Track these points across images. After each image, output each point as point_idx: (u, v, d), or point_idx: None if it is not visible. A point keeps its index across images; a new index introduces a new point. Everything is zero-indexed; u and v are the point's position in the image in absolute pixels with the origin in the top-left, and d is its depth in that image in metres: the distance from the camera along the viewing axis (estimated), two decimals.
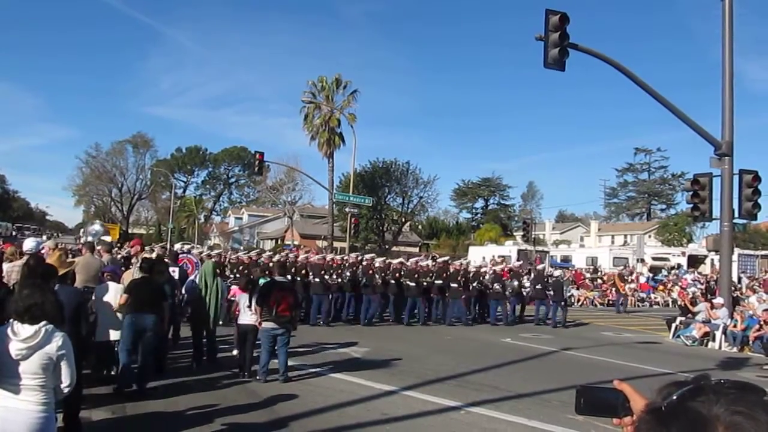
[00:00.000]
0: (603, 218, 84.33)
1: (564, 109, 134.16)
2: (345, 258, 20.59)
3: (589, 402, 1.45)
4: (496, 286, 20.52)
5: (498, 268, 22.07)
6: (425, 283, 19.68)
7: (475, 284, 20.45)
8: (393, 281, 19.43)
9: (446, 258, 22.83)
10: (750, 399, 1.06)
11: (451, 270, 20.24)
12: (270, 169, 56.52)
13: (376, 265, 19.61)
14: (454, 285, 19.75)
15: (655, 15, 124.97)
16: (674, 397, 1.11)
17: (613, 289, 29.38)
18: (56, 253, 8.55)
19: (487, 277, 21.02)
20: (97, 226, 19.39)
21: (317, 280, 18.18)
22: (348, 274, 18.99)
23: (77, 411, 6.67)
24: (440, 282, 19.85)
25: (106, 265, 10.87)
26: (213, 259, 13.66)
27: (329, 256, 20.75)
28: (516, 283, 21.35)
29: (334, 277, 18.81)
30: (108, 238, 20.66)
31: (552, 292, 20.77)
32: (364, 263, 19.56)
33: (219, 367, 10.72)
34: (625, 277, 30.03)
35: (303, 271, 18.45)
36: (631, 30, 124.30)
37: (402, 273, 19.75)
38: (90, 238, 17.06)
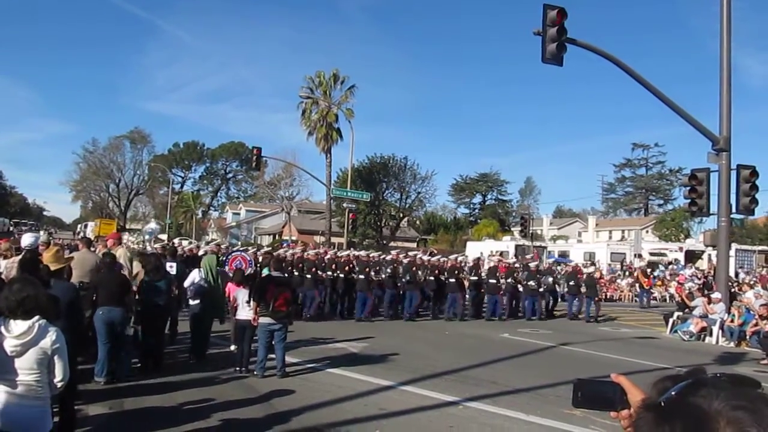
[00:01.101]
0: (600, 214, 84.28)
1: (562, 105, 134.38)
2: (382, 255, 21.40)
3: (587, 395, 1.44)
4: (531, 282, 20.91)
5: (532, 264, 22.62)
6: (464, 280, 20.41)
7: (509, 280, 20.95)
8: (432, 278, 19.96)
9: (479, 256, 23.54)
10: (750, 393, 1.05)
11: (487, 266, 21.01)
12: (268, 165, 56.37)
13: (419, 262, 20.28)
14: (493, 281, 20.50)
15: (652, 10, 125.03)
16: (673, 393, 1.10)
17: (637, 284, 29.59)
18: (52, 248, 8.52)
19: (521, 273, 21.58)
20: (153, 225, 19.56)
21: (362, 276, 18.71)
22: (389, 270, 19.45)
23: (72, 405, 6.65)
24: (475, 278, 20.63)
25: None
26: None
27: (374, 254, 21.58)
28: (551, 279, 22.11)
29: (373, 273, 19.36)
30: (164, 236, 20.75)
31: (585, 288, 21.56)
32: (407, 260, 20.13)
33: (217, 363, 10.72)
34: (648, 273, 30.06)
35: (347, 268, 19.04)
36: (629, 25, 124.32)
37: (440, 270, 20.36)
38: (147, 237, 17.34)
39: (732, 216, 19.07)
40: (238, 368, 10.06)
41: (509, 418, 8.02)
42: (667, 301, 29.76)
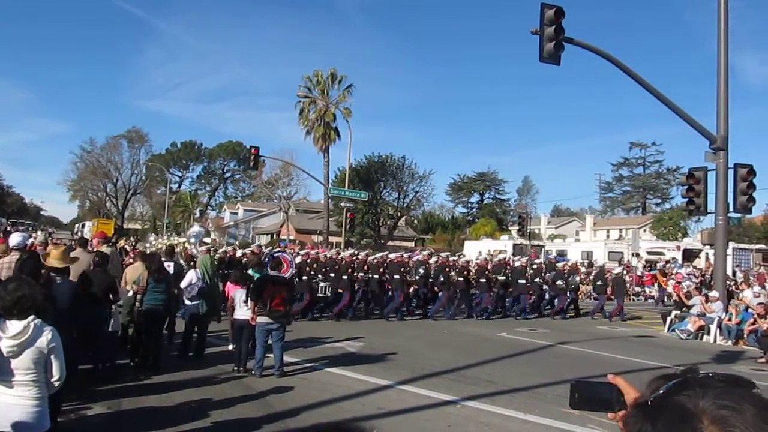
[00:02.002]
0: (598, 212, 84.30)
1: (559, 104, 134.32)
2: (411, 255, 21.70)
3: (584, 397, 1.44)
4: (560, 282, 21.48)
5: (560, 264, 23.35)
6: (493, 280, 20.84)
7: (536, 280, 21.42)
8: (461, 278, 20.27)
9: (504, 255, 23.99)
10: (737, 392, 1.05)
11: (517, 266, 21.47)
12: (265, 164, 56.41)
13: (451, 263, 20.68)
14: (522, 281, 20.93)
15: (650, 9, 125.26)
16: (661, 391, 1.11)
17: (655, 284, 29.75)
18: (60, 247, 8.54)
19: (549, 273, 22.15)
20: (197, 228, 19.63)
21: (397, 277, 19.08)
22: (421, 271, 19.74)
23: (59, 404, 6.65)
24: (503, 278, 21.05)
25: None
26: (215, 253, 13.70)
27: (405, 254, 21.88)
28: (578, 278, 22.87)
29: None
30: (209, 239, 20.81)
31: (613, 288, 22.15)
32: (439, 261, 20.47)
33: (215, 362, 10.72)
34: (667, 272, 30.15)
35: (381, 269, 19.36)
36: (627, 24, 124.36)
37: (470, 270, 20.85)
38: (192, 240, 17.61)
39: (729, 215, 19.11)
40: (236, 368, 10.05)
41: (507, 417, 8.02)
42: (665, 300, 29.78)
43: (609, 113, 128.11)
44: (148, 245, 24.79)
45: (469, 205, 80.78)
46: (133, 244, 36.65)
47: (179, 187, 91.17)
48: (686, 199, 18.39)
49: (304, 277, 17.88)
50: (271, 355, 9.90)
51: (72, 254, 10.05)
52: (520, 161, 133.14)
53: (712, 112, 18.44)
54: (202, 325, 11.32)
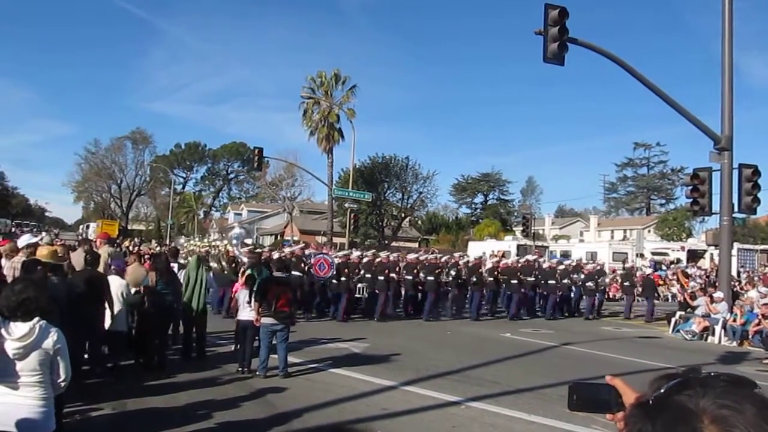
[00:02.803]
0: (602, 213, 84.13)
1: (563, 104, 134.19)
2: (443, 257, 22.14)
3: (582, 398, 1.45)
4: (589, 283, 22.02)
5: (590, 266, 23.80)
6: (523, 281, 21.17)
7: (565, 281, 21.86)
8: (492, 278, 20.88)
9: (534, 256, 24.29)
10: (738, 392, 1.06)
11: (547, 267, 22.10)
12: (269, 165, 56.39)
13: (488, 264, 21.38)
14: (552, 282, 21.42)
15: (654, 9, 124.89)
16: (662, 391, 1.11)
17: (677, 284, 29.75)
18: (50, 247, 8.56)
19: (576, 274, 22.53)
20: (238, 229, 19.79)
21: (431, 278, 19.39)
22: (453, 272, 20.07)
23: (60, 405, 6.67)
24: (532, 279, 21.43)
25: (109, 260, 10.89)
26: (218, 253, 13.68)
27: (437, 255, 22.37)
28: (607, 279, 23.56)
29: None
30: (249, 240, 21.00)
31: (641, 288, 22.65)
32: (474, 261, 21.08)
33: (219, 363, 10.74)
34: (689, 273, 30.08)
35: (414, 270, 19.78)
36: (631, 24, 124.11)
37: (499, 271, 21.29)
38: (234, 242, 17.86)
39: (734, 215, 19.06)
40: (240, 369, 10.06)
41: (511, 417, 8.02)
42: (670, 300, 29.72)
43: (613, 113, 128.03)
44: (180, 248, 24.92)
45: (473, 205, 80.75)
46: (138, 245, 36.74)
47: (183, 188, 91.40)
48: (691, 200, 18.35)
49: (343, 278, 18.28)
50: (276, 356, 9.90)
51: (74, 255, 10.12)
52: (524, 162, 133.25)
53: (717, 113, 18.42)
54: (200, 325, 11.31)
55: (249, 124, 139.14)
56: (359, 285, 18.79)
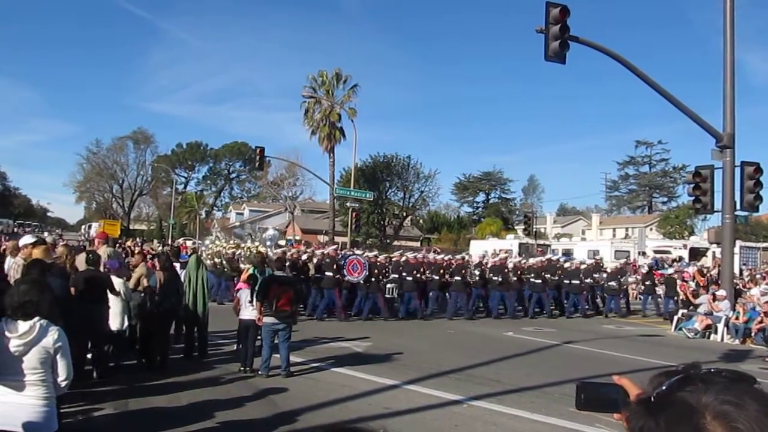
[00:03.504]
0: (604, 211, 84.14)
1: (565, 102, 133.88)
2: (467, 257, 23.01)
3: (589, 398, 1.44)
4: (612, 283, 22.25)
5: (612, 266, 24.37)
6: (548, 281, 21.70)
7: (588, 280, 22.23)
8: (515, 278, 21.05)
9: (558, 257, 24.79)
10: (739, 388, 1.06)
11: (573, 268, 22.40)
12: (271, 165, 56.50)
13: (510, 265, 21.52)
14: (576, 282, 21.77)
15: (656, 6, 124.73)
16: (663, 387, 1.12)
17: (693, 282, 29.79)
18: (43, 246, 8.54)
19: (605, 274, 22.96)
20: (271, 231, 20.08)
21: (458, 278, 19.84)
22: (477, 273, 20.49)
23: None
24: (555, 279, 21.86)
25: (107, 260, 10.88)
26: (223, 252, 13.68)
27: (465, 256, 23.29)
28: (631, 279, 24.11)
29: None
30: (283, 242, 21.28)
31: (665, 288, 22.78)
32: (498, 262, 21.27)
33: (221, 363, 10.74)
34: (705, 272, 30.05)
35: (441, 271, 20.21)
36: (632, 22, 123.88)
37: (523, 270, 21.65)
38: (268, 243, 18.21)
39: (736, 213, 19.02)
40: (242, 368, 10.07)
41: (514, 416, 8.01)
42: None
43: (614, 111, 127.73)
44: (204, 249, 25.09)
45: (475, 204, 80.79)
46: (140, 244, 36.79)
47: (185, 187, 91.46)
48: (693, 198, 18.34)
49: (373, 279, 18.65)
50: (278, 355, 9.90)
51: (79, 256, 10.12)
52: (525, 160, 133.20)
53: (719, 110, 18.40)
54: (202, 325, 11.32)
55: (250, 123, 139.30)
56: (389, 285, 19.08)
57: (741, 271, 30.01)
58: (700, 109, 18.04)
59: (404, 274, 19.11)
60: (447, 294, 20.48)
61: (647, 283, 23.38)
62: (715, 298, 17.94)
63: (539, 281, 21.17)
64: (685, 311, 19.00)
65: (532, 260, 23.16)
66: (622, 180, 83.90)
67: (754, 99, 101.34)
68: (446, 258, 21.71)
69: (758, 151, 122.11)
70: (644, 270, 25.33)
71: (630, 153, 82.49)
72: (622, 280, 22.73)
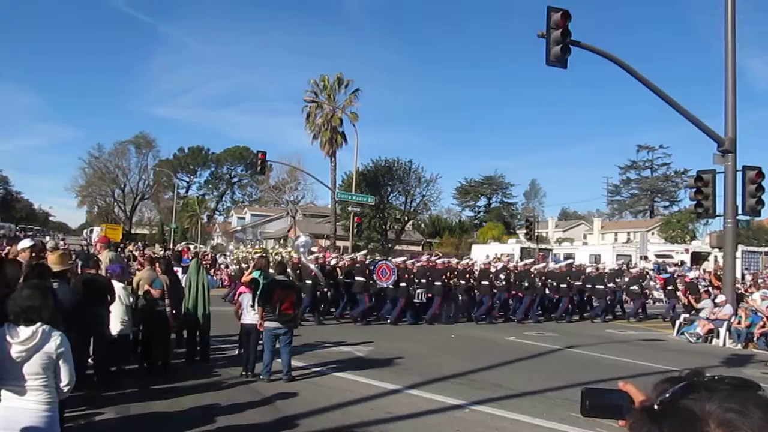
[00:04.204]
0: (606, 216, 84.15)
1: (566, 107, 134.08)
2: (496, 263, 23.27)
3: (595, 404, 1.45)
4: (634, 287, 22.78)
5: (635, 270, 24.63)
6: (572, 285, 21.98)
7: (611, 285, 22.64)
8: (540, 283, 21.51)
9: (581, 263, 25.36)
10: (743, 395, 1.05)
11: (594, 273, 23.05)
12: (272, 169, 56.73)
13: (534, 269, 21.95)
14: (600, 286, 22.27)
15: (657, 11, 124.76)
16: (667, 395, 1.11)
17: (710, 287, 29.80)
18: (58, 251, 8.57)
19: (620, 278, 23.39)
20: (304, 238, 20.24)
21: (485, 283, 20.29)
22: (503, 276, 20.79)
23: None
24: (579, 283, 22.24)
25: (109, 264, 10.89)
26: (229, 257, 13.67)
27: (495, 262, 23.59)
28: (653, 283, 24.57)
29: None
30: (316, 248, 21.55)
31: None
32: (524, 266, 21.94)
33: (222, 367, 10.74)
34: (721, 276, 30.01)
35: (467, 275, 20.55)
36: (634, 27, 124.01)
37: (547, 275, 22.08)
38: (302, 250, 18.53)
39: (738, 217, 19.00)
40: (244, 372, 10.06)
41: (516, 421, 8.00)
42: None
43: (616, 116, 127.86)
44: (228, 254, 25.24)
45: (477, 208, 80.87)
46: (142, 248, 36.78)
47: (187, 192, 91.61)
48: (694, 202, 18.32)
49: (402, 284, 18.86)
50: (279, 360, 9.90)
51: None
52: (527, 165, 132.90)
53: (720, 115, 18.40)
54: (203, 329, 11.31)
55: (252, 127, 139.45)
56: (418, 290, 19.34)
57: (743, 275, 29.98)
58: (701, 114, 18.11)
59: (432, 278, 19.45)
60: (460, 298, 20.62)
61: (669, 287, 23.43)
62: (717, 303, 17.89)
63: (563, 286, 21.53)
64: (687, 316, 18.97)
65: (554, 265, 23.62)
66: (623, 184, 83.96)
67: (755, 103, 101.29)
68: (470, 263, 22.26)
69: (760, 155, 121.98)
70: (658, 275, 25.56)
71: (632, 157, 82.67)
72: (644, 284, 22.98)
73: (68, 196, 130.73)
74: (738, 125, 18.05)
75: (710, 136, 17.76)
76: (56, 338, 4.05)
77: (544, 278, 21.66)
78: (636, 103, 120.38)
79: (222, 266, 36.03)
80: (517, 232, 62.90)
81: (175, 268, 11.87)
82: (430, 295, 19.37)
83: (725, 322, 17.17)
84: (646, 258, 37.59)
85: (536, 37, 14.82)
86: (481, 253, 35.07)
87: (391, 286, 18.93)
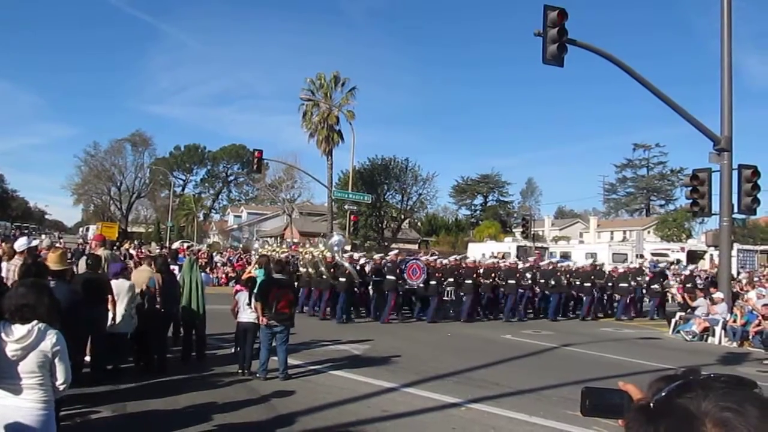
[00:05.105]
0: (602, 214, 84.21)
1: (562, 105, 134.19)
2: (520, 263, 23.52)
3: (595, 403, 1.45)
4: (655, 286, 23.13)
5: (655, 269, 24.95)
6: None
7: (633, 283, 22.99)
8: (565, 281, 21.91)
9: (602, 261, 25.64)
10: (739, 393, 1.05)
11: (617, 274, 23.38)
12: (269, 167, 56.41)
13: (562, 268, 22.49)
14: (624, 285, 22.60)
15: (653, 10, 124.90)
16: (663, 394, 1.11)
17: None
18: (57, 250, 8.55)
19: (640, 277, 23.78)
20: (337, 237, 20.52)
21: (512, 282, 20.59)
22: (528, 276, 21.27)
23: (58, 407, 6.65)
24: (601, 281, 22.72)
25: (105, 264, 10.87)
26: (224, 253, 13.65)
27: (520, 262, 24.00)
28: (672, 282, 24.91)
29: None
30: (349, 247, 21.83)
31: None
32: (551, 265, 22.50)
33: (219, 365, 10.73)
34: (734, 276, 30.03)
35: (492, 274, 20.89)
36: (630, 25, 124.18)
37: (572, 274, 22.51)
38: (336, 248, 18.83)
39: (734, 216, 19.05)
40: (240, 370, 10.05)
41: (512, 419, 8.00)
42: (670, 301, 29.69)
43: (612, 115, 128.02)
44: (254, 252, 25.32)
45: (473, 207, 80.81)
46: (138, 247, 36.73)
47: (183, 190, 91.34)
48: (690, 201, 18.35)
49: (432, 282, 19.20)
50: (276, 358, 9.89)
51: (83, 260, 10.10)
52: (523, 163, 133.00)
53: (716, 113, 18.42)
54: (199, 327, 11.30)
55: (249, 126, 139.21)
56: (448, 289, 19.76)
57: (739, 273, 30.04)
58: (697, 113, 18.10)
59: (463, 277, 19.86)
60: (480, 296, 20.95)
61: (688, 285, 23.18)
62: (713, 302, 17.92)
63: (588, 285, 21.88)
64: (683, 314, 19.00)
65: (578, 264, 24.05)
66: (619, 183, 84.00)
67: (751, 102, 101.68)
68: (496, 262, 22.65)
69: (756, 154, 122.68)
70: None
71: (628, 156, 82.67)
72: (664, 283, 23.25)
73: (64, 194, 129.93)
74: (734, 124, 18.08)
75: (706, 135, 17.79)
76: (52, 336, 4.03)
77: (568, 277, 22.02)
78: (632, 102, 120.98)
79: (219, 264, 36.03)
80: (514, 230, 62.99)
81: (172, 267, 11.85)
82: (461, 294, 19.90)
83: (721, 321, 17.21)
84: (642, 256, 37.66)
85: (533, 35, 14.84)
86: (478, 252, 35.07)
87: (420, 285, 19.25)
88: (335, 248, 19.24)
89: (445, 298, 19.82)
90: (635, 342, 16.74)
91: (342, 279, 18.46)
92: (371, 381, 9.97)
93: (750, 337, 16.35)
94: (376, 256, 21.57)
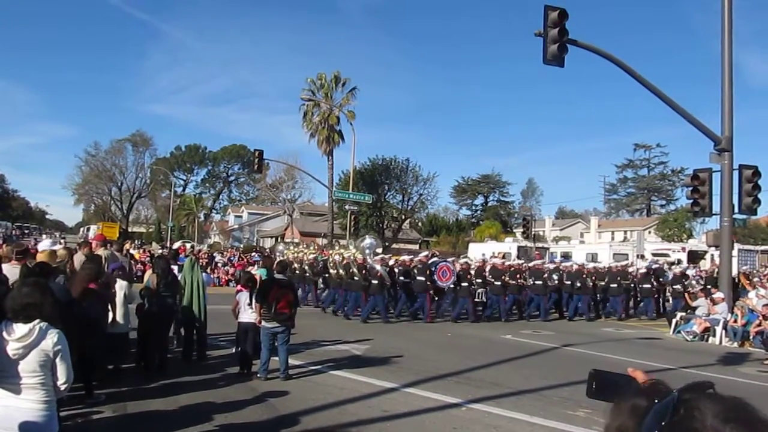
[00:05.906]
0: (603, 214, 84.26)
1: (563, 105, 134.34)
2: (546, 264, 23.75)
3: (601, 386, 1.45)
4: (677, 286, 22.86)
5: (677, 269, 24.85)
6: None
7: (655, 284, 23.30)
8: (580, 283, 21.85)
9: (630, 261, 25.80)
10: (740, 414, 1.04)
11: (644, 272, 23.33)
12: (269, 167, 56.51)
13: (586, 270, 22.45)
14: (647, 285, 22.90)
15: (654, 9, 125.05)
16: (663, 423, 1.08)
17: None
18: (47, 251, 8.56)
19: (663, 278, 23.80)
20: (369, 240, 20.70)
21: (539, 282, 20.93)
22: (555, 277, 21.54)
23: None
24: (627, 282, 22.96)
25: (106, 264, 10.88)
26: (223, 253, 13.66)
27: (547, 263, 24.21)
28: (695, 281, 24.50)
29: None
30: (380, 249, 22.06)
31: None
32: (577, 266, 22.40)
33: (219, 366, 10.73)
34: (750, 275, 29.99)
35: (517, 275, 20.90)
36: (630, 25, 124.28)
37: (599, 276, 22.54)
38: (368, 251, 19.12)
39: (734, 216, 19.05)
40: (241, 371, 10.06)
41: (513, 419, 8.00)
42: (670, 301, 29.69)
43: (613, 115, 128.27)
44: (278, 254, 25.41)
45: (474, 207, 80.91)
46: (138, 247, 36.77)
47: (183, 190, 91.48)
48: (691, 201, 18.36)
49: (464, 284, 19.40)
50: (277, 358, 9.89)
51: (76, 257, 10.10)
52: (524, 163, 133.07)
53: (717, 114, 18.42)
54: (200, 328, 11.31)
55: (249, 126, 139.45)
56: (479, 290, 19.97)
57: (739, 273, 30.00)
58: (698, 112, 18.11)
59: (491, 278, 20.06)
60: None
61: (709, 287, 23.37)
62: (713, 302, 17.92)
63: (614, 285, 22.04)
64: (684, 314, 19.00)
65: (603, 265, 24.21)
66: (620, 183, 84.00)
67: (752, 102, 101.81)
68: (521, 263, 22.72)
69: (756, 154, 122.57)
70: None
71: (628, 156, 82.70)
72: (686, 283, 23.26)
73: (65, 194, 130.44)
74: (735, 124, 18.09)
75: (707, 135, 17.79)
76: (53, 336, 4.03)
77: (594, 278, 22.10)
78: (633, 102, 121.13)
79: (219, 264, 36.04)
80: (514, 230, 62.99)
81: (171, 267, 11.86)
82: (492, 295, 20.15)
83: (721, 321, 17.21)
84: (642, 257, 37.62)
85: (534, 35, 14.84)
86: (478, 252, 35.05)
87: (450, 287, 19.46)
88: (367, 251, 19.50)
89: (477, 299, 19.93)
90: (636, 342, 16.74)
91: (374, 282, 18.75)
92: (372, 381, 9.97)
93: (751, 337, 16.35)
94: (405, 258, 21.77)
